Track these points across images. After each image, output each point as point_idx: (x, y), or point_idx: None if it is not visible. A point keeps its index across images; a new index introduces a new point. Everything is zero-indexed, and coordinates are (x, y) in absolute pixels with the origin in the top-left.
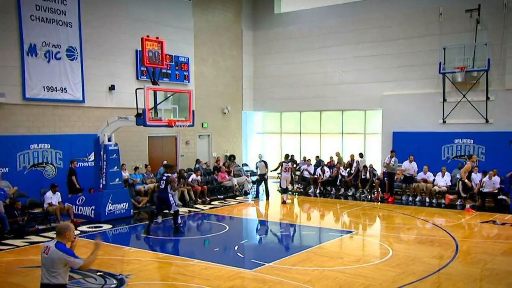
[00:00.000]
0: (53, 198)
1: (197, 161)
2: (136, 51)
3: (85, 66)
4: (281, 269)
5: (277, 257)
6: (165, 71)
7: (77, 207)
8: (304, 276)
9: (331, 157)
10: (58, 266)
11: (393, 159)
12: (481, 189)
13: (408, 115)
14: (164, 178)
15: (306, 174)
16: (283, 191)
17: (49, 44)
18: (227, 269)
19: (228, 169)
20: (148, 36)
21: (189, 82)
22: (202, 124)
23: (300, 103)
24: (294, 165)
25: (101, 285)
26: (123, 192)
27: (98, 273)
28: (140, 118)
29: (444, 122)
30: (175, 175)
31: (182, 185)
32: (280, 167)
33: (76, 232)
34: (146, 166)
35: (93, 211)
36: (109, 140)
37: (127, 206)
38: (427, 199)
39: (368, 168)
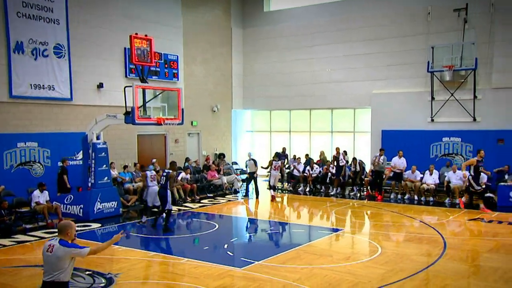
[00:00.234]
0: (40, 197)
1: (187, 160)
2: (125, 48)
3: (73, 63)
4: (270, 267)
5: (266, 255)
6: (154, 69)
7: (65, 206)
8: (294, 274)
9: (320, 153)
10: (64, 262)
11: (382, 157)
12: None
13: (397, 114)
14: (165, 174)
15: (295, 172)
16: (271, 188)
17: (36, 41)
18: (217, 268)
19: (218, 167)
20: (136, 33)
21: (178, 80)
22: (192, 122)
23: (290, 101)
24: (286, 161)
25: (90, 284)
26: (112, 191)
27: (87, 272)
28: (129, 116)
29: (432, 120)
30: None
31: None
32: (270, 166)
33: None
34: (135, 164)
35: (81, 210)
36: (98, 138)
37: (116, 204)
38: (416, 197)
39: (358, 161)
